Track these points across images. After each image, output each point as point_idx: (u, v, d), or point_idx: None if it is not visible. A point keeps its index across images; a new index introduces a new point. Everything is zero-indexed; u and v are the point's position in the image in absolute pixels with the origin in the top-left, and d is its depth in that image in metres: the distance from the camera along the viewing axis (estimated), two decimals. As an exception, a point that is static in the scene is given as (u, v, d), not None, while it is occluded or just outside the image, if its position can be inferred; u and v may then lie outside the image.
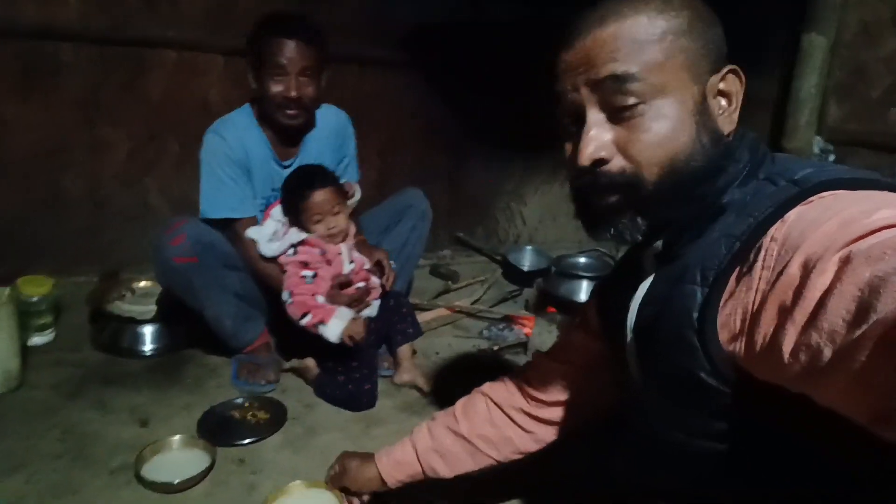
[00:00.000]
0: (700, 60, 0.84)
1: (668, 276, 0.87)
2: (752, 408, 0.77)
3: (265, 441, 1.68)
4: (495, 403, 1.31)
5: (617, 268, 1.16)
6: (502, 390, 1.32)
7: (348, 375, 1.88)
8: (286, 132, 2.04)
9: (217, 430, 1.70)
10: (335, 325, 1.82)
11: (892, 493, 0.76)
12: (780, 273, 0.68)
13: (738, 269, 0.76)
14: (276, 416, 1.78)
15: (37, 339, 2.09)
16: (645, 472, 0.94)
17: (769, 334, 0.68)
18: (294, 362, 2.02)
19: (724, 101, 0.87)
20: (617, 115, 0.83)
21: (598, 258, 2.90)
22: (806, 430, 0.73)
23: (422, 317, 2.45)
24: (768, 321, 0.69)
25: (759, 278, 0.72)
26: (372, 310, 2.00)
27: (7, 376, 1.82)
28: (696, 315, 0.79)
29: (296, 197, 1.91)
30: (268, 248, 1.93)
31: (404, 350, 2.02)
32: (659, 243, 0.90)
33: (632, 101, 0.82)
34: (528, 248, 3.20)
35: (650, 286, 0.93)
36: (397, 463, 1.33)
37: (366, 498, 1.39)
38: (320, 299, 1.87)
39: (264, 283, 1.99)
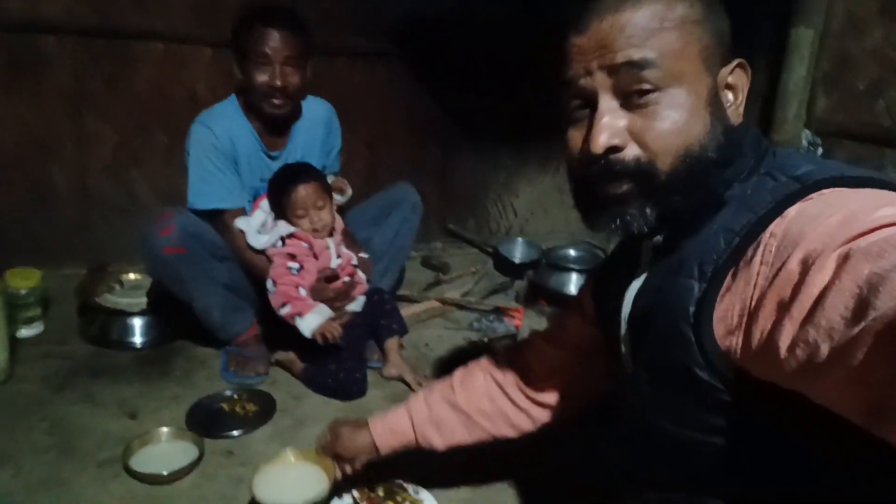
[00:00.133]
0: (714, 51, 0.83)
1: (664, 268, 0.87)
2: (745, 404, 0.77)
3: (254, 433, 1.69)
4: (493, 378, 1.32)
5: (613, 256, 1.14)
6: (501, 366, 1.33)
7: (339, 364, 1.89)
8: (273, 122, 2.03)
9: (206, 422, 1.71)
10: (311, 320, 1.84)
11: (885, 490, 0.76)
12: (780, 269, 0.68)
13: (736, 264, 0.75)
14: (265, 409, 1.78)
15: (25, 332, 2.09)
16: (636, 462, 0.94)
17: (767, 330, 0.68)
18: (279, 354, 2.02)
19: (730, 95, 0.86)
20: (631, 101, 0.82)
21: (588, 250, 2.91)
22: (799, 426, 0.73)
23: (412, 309, 2.46)
24: (766, 317, 0.69)
25: (758, 274, 0.72)
26: (357, 304, 2.01)
27: (-5, 369, 1.82)
28: (692, 309, 0.78)
29: (280, 192, 1.92)
30: (256, 240, 1.94)
31: (391, 344, 2.02)
32: (659, 237, 0.89)
33: (648, 87, 0.80)
34: (519, 239, 3.19)
35: (646, 277, 0.93)
36: (391, 431, 1.33)
37: (358, 465, 1.38)
38: (303, 292, 1.88)
39: (252, 273, 2.00)
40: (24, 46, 2.39)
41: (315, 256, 1.93)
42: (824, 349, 0.59)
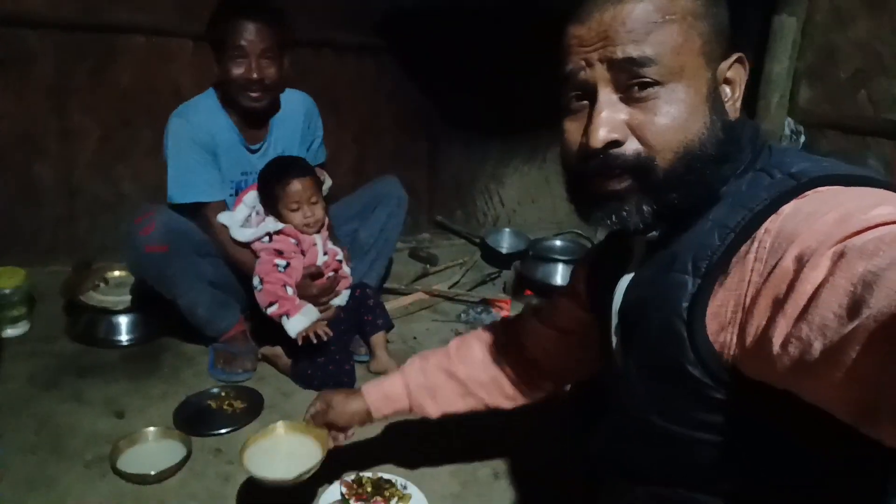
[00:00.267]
0: (714, 45, 0.82)
1: (656, 262, 0.86)
2: (735, 401, 0.77)
3: (242, 430, 1.69)
4: (489, 350, 1.34)
5: (606, 245, 1.12)
6: (496, 338, 1.35)
7: (326, 359, 1.90)
8: (251, 115, 2.03)
9: (193, 420, 1.71)
10: (297, 322, 1.84)
11: (874, 486, 0.78)
12: (774, 266, 0.68)
13: (730, 261, 0.75)
14: (253, 405, 1.79)
15: (10, 331, 2.08)
16: (624, 455, 0.94)
17: (761, 327, 0.69)
18: (266, 349, 2.02)
19: (728, 89, 0.85)
20: (631, 95, 0.80)
21: (573, 241, 2.92)
22: (788, 424, 0.74)
23: (400, 301, 2.47)
24: (761, 314, 0.69)
25: (752, 270, 0.72)
26: (341, 299, 2.02)
27: (-20, 369, 1.82)
28: (685, 305, 0.78)
29: (274, 184, 1.91)
30: (241, 233, 1.93)
31: (377, 339, 2.03)
32: (655, 233, 0.88)
33: (648, 82, 0.79)
34: (507, 230, 3.20)
35: (638, 271, 0.93)
36: (386, 396, 1.34)
37: (351, 432, 1.38)
38: (290, 290, 1.88)
39: (237, 268, 2.00)
40: (7, 42, 2.37)
41: (302, 253, 1.93)
42: (817, 346, 0.59)
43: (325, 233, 2.00)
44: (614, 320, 0.97)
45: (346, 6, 2.81)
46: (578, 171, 0.87)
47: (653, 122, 0.80)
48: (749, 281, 0.72)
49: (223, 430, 1.68)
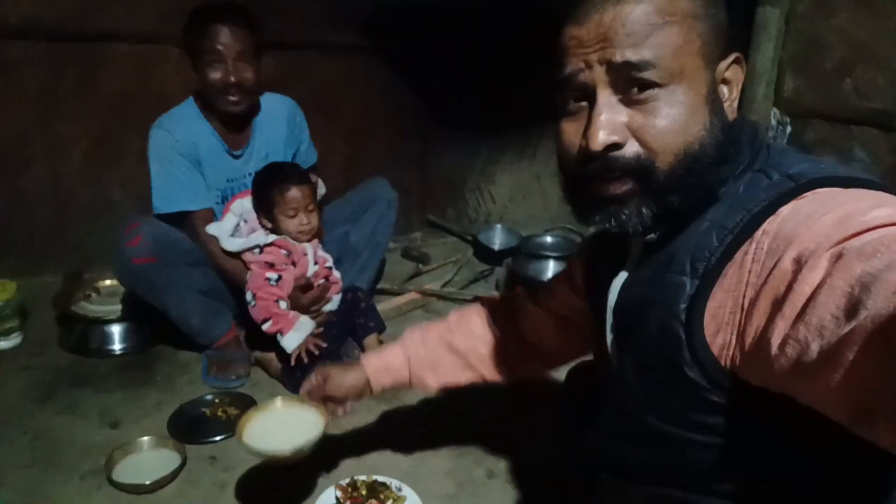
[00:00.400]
0: (713, 46, 0.81)
1: (654, 262, 0.86)
2: (731, 404, 0.77)
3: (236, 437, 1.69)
4: (488, 325, 1.35)
5: (604, 237, 1.10)
6: (495, 314, 1.36)
7: (320, 362, 1.90)
8: (232, 120, 2.03)
9: (188, 428, 1.72)
10: (292, 339, 1.85)
11: (870, 488, 0.78)
12: (773, 268, 0.68)
13: (729, 262, 0.75)
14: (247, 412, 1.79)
15: (3, 344, 2.09)
16: (619, 454, 0.94)
17: (760, 328, 0.69)
18: (258, 354, 2.03)
19: (726, 90, 0.84)
20: (631, 96, 0.80)
21: (564, 237, 2.93)
22: (783, 426, 0.74)
23: (392, 302, 2.47)
24: (760, 315, 0.69)
25: (750, 272, 0.72)
26: (333, 304, 2.04)
27: (-26, 384, 1.82)
28: (683, 306, 0.78)
29: (272, 189, 1.90)
30: (231, 243, 1.93)
31: (370, 341, 2.04)
32: (654, 235, 0.88)
33: (648, 84, 0.78)
34: (499, 227, 3.21)
35: (635, 270, 0.92)
36: (386, 367, 1.35)
37: (349, 407, 1.38)
38: (283, 304, 1.89)
39: (227, 278, 2.00)
40: (-10, 53, 2.36)
41: (293, 264, 1.93)
42: (815, 348, 0.59)
43: (315, 241, 2.01)
44: (609, 319, 0.97)
45: (331, 7, 2.80)
46: (577, 174, 0.86)
47: (653, 125, 0.79)
48: (747, 282, 0.72)
49: (218, 438, 1.68)
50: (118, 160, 2.63)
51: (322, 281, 1.99)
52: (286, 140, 2.19)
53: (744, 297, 0.72)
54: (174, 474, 1.53)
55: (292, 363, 1.85)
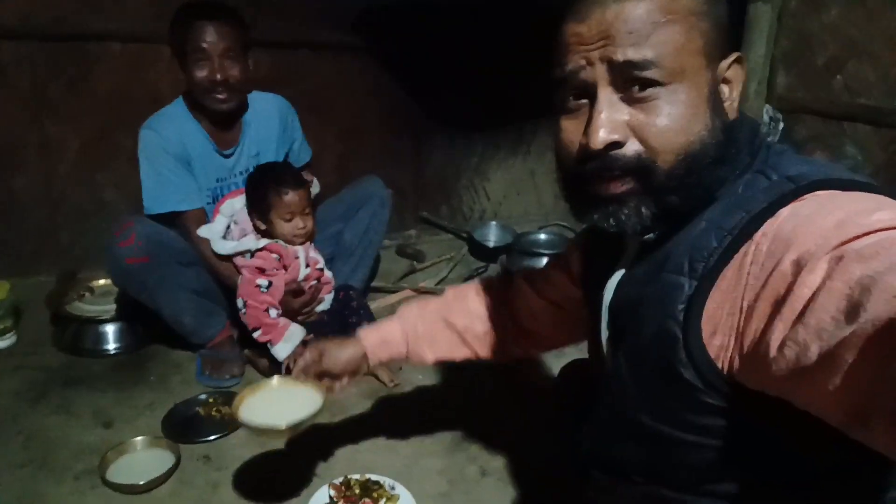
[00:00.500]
0: (715, 45, 0.80)
1: (650, 260, 0.86)
2: (725, 405, 0.77)
3: (230, 436, 1.70)
4: (484, 304, 1.36)
5: (601, 233, 1.07)
6: (492, 294, 1.37)
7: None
8: (221, 119, 2.02)
9: (182, 427, 1.72)
10: (282, 349, 1.86)
11: (867, 488, 0.78)
12: (773, 270, 0.68)
13: (727, 264, 0.75)
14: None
15: (-3, 345, 2.08)
16: (611, 451, 0.94)
17: (759, 330, 0.68)
18: (249, 352, 2.03)
19: (726, 89, 0.83)
20: (632, 94, 0.79)
21: (558, 234, 2.94)
22: (778, 427, 0.74)
23: (387, 300, 2.48)
24: (758, 317, 0.69)
25: (749, 273, 0.71)
26: (325, 303, 2.04)
27: (-33, 385, 1.82)
28: (681, 307, 0.77)
29: (268, 191, 1.89)
30: (222, 247, 1.93)
31: (362, 340, 2.03)
32: (652, 234, 0.87)
33: (650, 83, 0.77)
34: (493, 223, 3.22)
35: (631, 268, 0.92)
36: (384, 341, 1.35)
37: (345, 381, 1.37)
38: (273, 312, 1.89)
39: (220, 280, 2.00)
40: (-20, 54, 2.35)
41: (284, 268, 1.93)
42: (814, 350, 0.59)
43: (307, 243, 2.00)
44: (605, 316, 0.97)
45: (325, 5, 2.80)
46: (576, 172, 0.85)
47: (654, 124, 0.78)
48: (745, 284, 0.72)
49: (212, 437, 1.68)
50: (111, 160, 2.62)
51: (314, 282, 1.99)
52: (278, 139, 2.18)
53: (742, 299, 0.72)
54: (168, 474, 1.53)
55: (282, 373, 1.84)
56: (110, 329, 2.10)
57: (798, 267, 0.64)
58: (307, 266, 1.98)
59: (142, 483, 1.48)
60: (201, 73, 1.90)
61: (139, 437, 1.63)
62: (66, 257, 2.58)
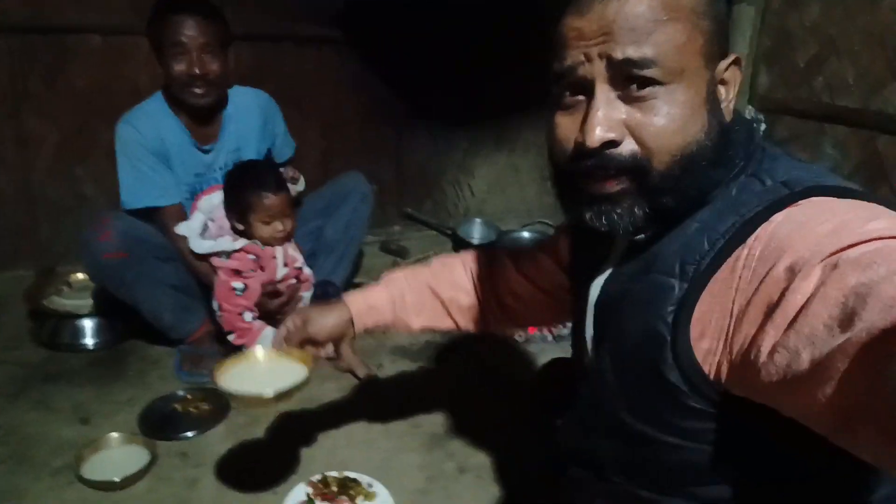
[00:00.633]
0: (714, 45, 0.79)
1: (639, 260, 0.85)
2: (709, 410, 0.76)
3: (208, 433, 1.69)
4: (469, 278, 1.36)
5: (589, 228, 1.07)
6: (477, 268, 1.37)
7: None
8: (199, 114, 2.01)
9: (159, 424, 1.71)
10: None
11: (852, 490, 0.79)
12: (765, 275, 0.67)
13: (719, 267, 0.74)
14: (219, 407, 1.78)
15: (-26, 340, 2.07)
16: (589, 446, 0.94)
17: (749, 335, 0.68)
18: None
19: (723, 90, 0.83)
20: (630, 94, 0.77)
21: (542, 233, 2.95)
22: (761, 432, 0.74)
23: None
24: (750, 323, 0.68)
25: (740, 278, 0.71)
26: (304, 302, 2.04)
27: (-57, 381, 1.80)
28: (671, 308, 0.77)
29: (248, 192, 1.88)
30: (198, 246, 1.92)
31: (342, 337, 2.03)
32: (643, 235, 0.86)
33: (648, 81, 0.76)
34: (478, 220, 3.22)
35: (619, 266, 0.91)
36: (370, 308, 1.32)
37: (331, 348, 1.33)
38: (248, 316, 1.88)
39: (198, 277, 1.99)
40: (-44, 47, 2.32)
41: (262, 268, 1.92)
42: (805, 357, 0.58)
43: (287, 243, 2.00)
44: (590, 312, 0.96)
45: (302, -1, 2.79)
46: (569, 170, 0.83)
47: (651, 123, 0.77)
48: (737, 289, 0.71)
49: (189, 434, 1.68)
50: (89, 155, 2.61)
51: (292, 281, 1.98)
52: (259, 134, 2.17)
53: (733, 304, 0.71)
54: (144, 471, 1.52)
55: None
56: (88, 324, 2.09)
57: (792, 273, 0.64)
58: (285, 265, 1.97)
59: (118, 480, 1.47)
60: (179, 68, 1.88)
61: (114, 434, 1.61)
62: (45, 252, 2.57)
